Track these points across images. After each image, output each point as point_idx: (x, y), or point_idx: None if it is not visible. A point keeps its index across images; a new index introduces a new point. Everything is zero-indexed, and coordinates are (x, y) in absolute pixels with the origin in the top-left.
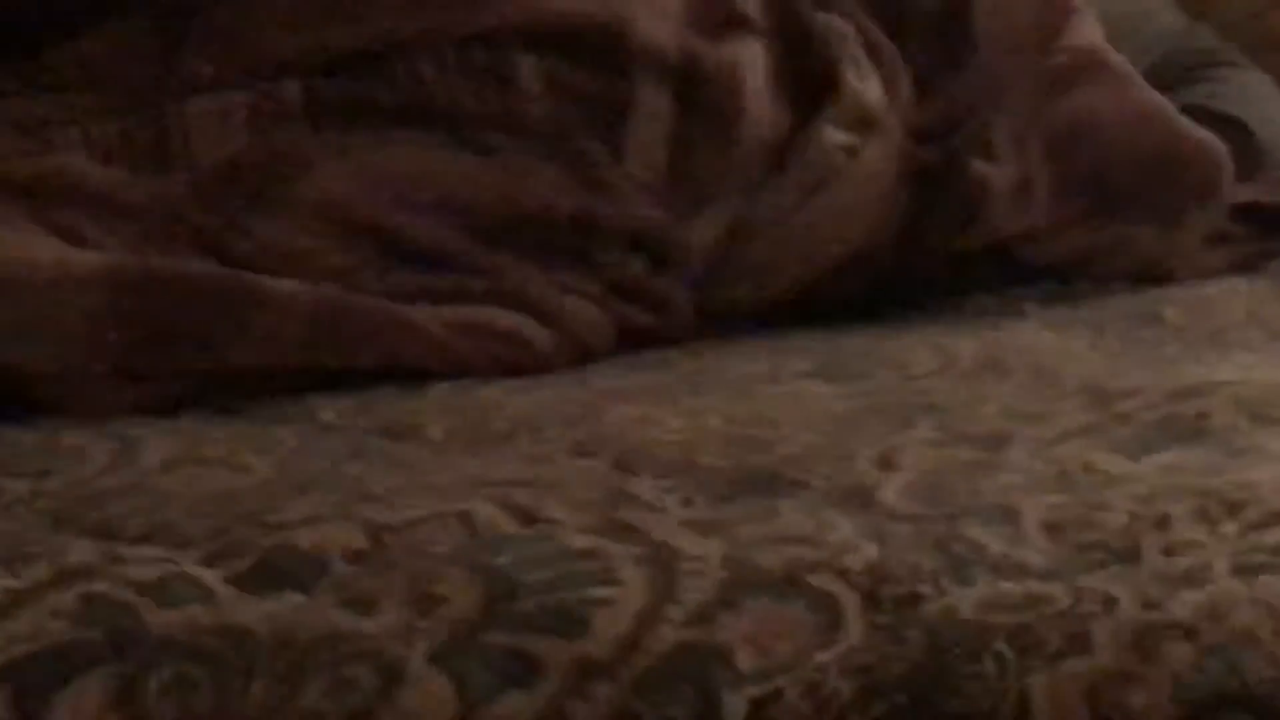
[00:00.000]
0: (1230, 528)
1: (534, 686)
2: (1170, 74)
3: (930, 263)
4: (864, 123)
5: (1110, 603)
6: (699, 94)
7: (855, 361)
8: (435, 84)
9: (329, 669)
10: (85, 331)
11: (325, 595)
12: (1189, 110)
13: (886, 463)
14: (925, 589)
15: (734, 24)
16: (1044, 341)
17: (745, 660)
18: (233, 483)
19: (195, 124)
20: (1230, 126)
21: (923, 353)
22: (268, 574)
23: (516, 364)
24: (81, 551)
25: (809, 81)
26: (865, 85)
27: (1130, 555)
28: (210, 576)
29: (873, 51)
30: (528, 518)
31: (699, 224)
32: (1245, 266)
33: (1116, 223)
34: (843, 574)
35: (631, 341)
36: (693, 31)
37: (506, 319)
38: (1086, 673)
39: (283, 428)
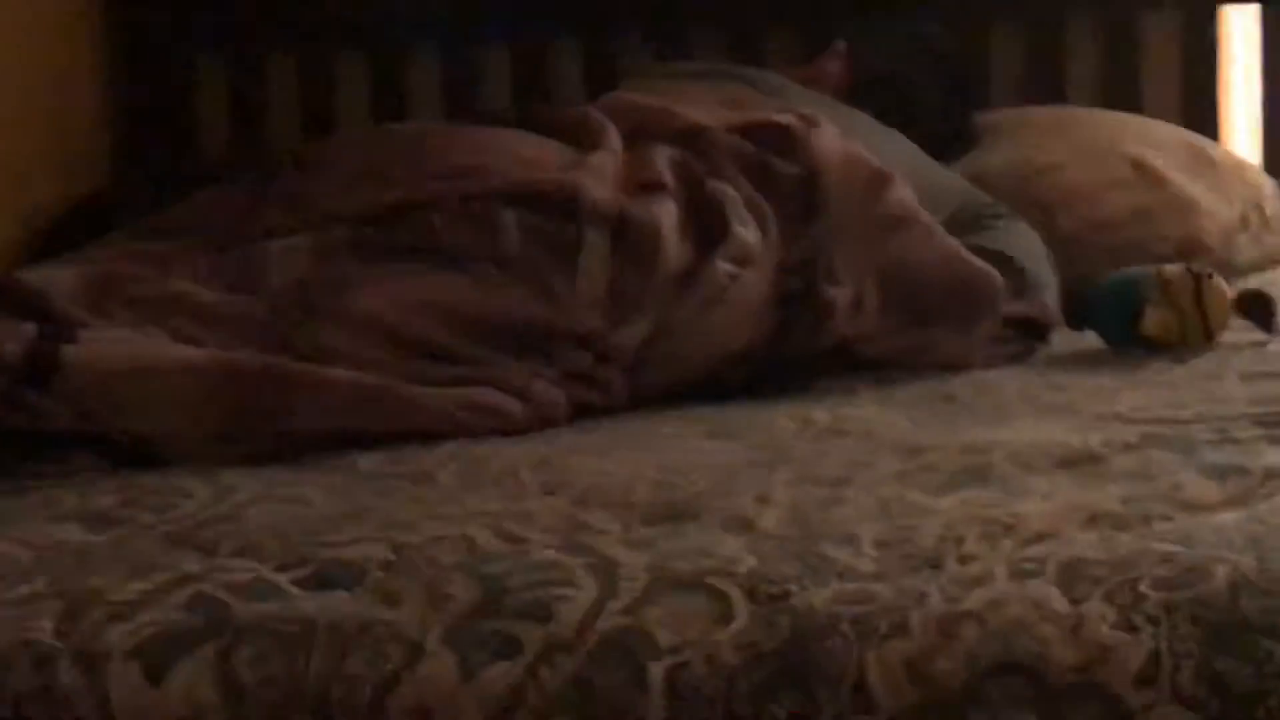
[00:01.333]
0: (1007, 545)
1: (515, 658)
2: (960, 223)
3: (792, 358)
4: (745, 258)
5: (922, 598)
6: (629, 237)
7: (738, 427)
8: (444, 230)
9: (367, 646)
10: (194, 407)
11: (364, 593)
12: (975, 249)
13: (762, 499)
14: (791, 588)
15: (654, 188)
16: (871, 413)
17: (664, 639)
18: (298, 513)
19: (271, 258)
20: (1003, 261)
21: (786, 421)
22: (323, 578)
23: (501, 429)
24: (191, 563)
25: (706, 229)
26: (746, 231)
27: (936, 563)
28: (283, 580)
29: (751, 207)
30: (511, 539)
31: (628, 329)
32: (1016, 360)
33: (925, 329)
34: (732, 577)
35: (581, 413)
36: (625, 193)
37: (494, 397)
38: (906, 648)
39: (333, 475)
